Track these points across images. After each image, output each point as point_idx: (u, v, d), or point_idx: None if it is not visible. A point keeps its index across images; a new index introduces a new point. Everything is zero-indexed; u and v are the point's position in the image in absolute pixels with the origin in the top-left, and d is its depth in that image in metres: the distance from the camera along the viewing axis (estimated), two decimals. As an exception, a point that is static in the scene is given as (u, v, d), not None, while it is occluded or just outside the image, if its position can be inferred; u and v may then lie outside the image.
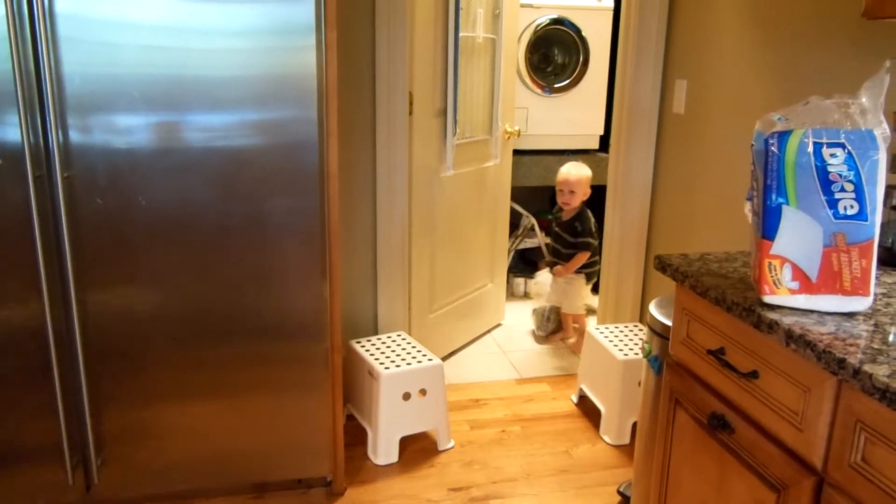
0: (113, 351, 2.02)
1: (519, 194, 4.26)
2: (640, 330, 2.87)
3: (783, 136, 1.25)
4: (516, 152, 3.89)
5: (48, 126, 1.81)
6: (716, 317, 1.45)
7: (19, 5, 1.73)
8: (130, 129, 1.87)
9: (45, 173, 1.84)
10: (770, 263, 1.29)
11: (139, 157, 1.89)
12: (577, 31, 4.08)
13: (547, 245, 3.63)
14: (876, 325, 1.23)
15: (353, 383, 2.66)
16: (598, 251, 3.44)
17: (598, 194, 3.56)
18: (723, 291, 1.39)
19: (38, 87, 1.79)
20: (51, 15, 1.76)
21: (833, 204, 1.23)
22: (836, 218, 1.23)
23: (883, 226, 1.31)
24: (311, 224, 2.04)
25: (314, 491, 2.33)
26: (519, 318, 3.90)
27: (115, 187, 1.90)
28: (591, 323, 3.56)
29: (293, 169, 1.99)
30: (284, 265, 2.05)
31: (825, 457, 1.17)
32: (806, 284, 1.28)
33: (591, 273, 3.51)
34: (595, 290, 3.49)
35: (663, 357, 1.96)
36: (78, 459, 2.07)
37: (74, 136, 1.85)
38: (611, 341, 2.74)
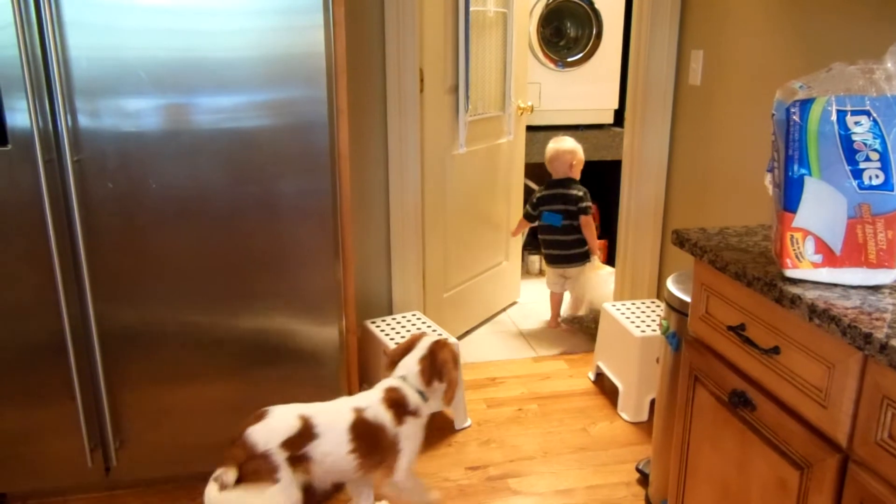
0: (127, 333, 2.02)
1: (533, 171, 4.21)
2: (658, 306, 2.85)
3: (805, 104, 1.21)
4: (529, 128, 3.84)
5: (57, 110, 1.80)
6: (736, 292, 1.42)
7: (24, -11, 1.71)
8: (139, 112, 1.86)
9: (55, 158, 1.84)
10: (792, 236, 1.26)
11: (149, 139, 1.88)
12: (590, 3, 4.00)
13: (547, 241, 3.48)
14: (902, 298, 1.19)
15: (369, 363, 2.66)
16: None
17: (613, 169, 3.51)
18: (743, 266, 1.36)
19: (45, 71, 1.78)
20: (55, -1, 1.75)
21: (858, 174, 1.19)
22: (860, 188, 1.20)
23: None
24: (322, 204, 2.02)
25: (332, 471, 2.33)
26: (534, 296, 3.88)
27: (125, 170, 1.89)
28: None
29: (303, 149, 1.96)
30: (297, 246, 2.04)
31: (850, 434, 1.14)
32: (829, 257, 1.25)
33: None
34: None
35: (681, 333, 1.93)
36: (96, 442, 2.08)
37: (83, 120, 1.84)
38: (627, 318, 2.72)
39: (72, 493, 2.19)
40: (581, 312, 3.58)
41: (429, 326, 2.66)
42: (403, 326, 2.66)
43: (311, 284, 2.08)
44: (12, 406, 2.02)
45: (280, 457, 1.73)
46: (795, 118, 1.22)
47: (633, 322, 2.68)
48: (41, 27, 1.75)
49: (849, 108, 1.18)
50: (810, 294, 1.21)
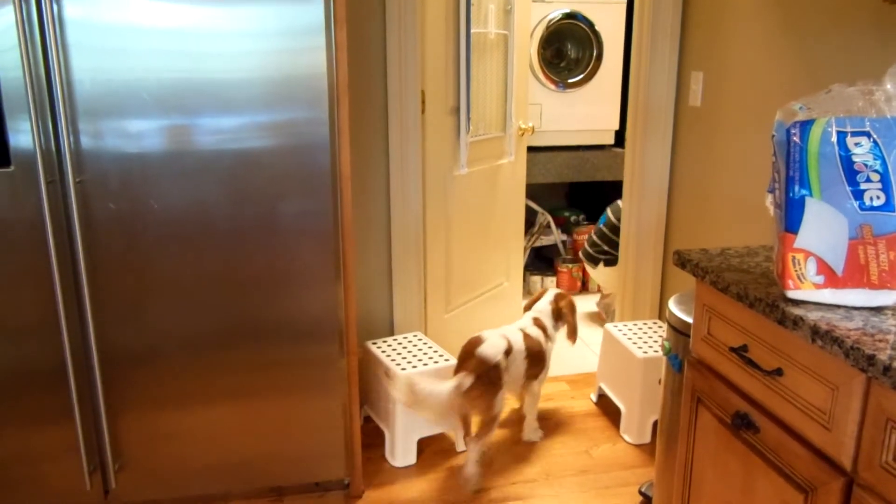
0: (128, 355, 2.01)
1: (534, 191, 4.23)
2: (660, 327, 2.83)
3: (805, 125, 1.21)
4: (531, 149, 3.86)
5: (60, 132, 1.81)
6: (738, 313, 1.41)
7: (28, 13, 1.73)
8: (142, 133, 1.87)
9: (58, 179, 1.84)
10: (794, 257, 1.25)
11: (151, 160, 1.89)
12: (591, 24, 4.04)
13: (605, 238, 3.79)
14: (905, 319, 1.19)
15: (370, 385, 2.65)
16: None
17: (614, 190, 3.52)
18: (745, 287, 1.36)
19: (49, 93, 1.79)
20: (60, 21, 1.76)
21: (859, 195, 1.19)
22: (861, 209, 1.20)
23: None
24: (324, 225, 2.02)
25: (332, 494, 2.32)
26: (536, 317, 3.87)
27: (127, 191, 1.90)
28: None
29: (305, 170, 1.97)
30: (298, 267, 2.04)
31: (854, 457, 1.13)
32: (831, 278, 1.24)
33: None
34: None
35: (684, 355, 1.92)
36: (95, 464, 2.07)
37: (86, 142, 1.84)
38: (629, 339, 2.70)
39: (70, 516, 2.18)
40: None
41: (430, 347, 2.65)
42: (405, 347, 2.65)
43: (312, 305, 2.08)
44: (11, 428, 2.01)
45: (503, 365, 2.37)
46: (796, 139, 1.22)
47: (635, 343, 2.66)
48: (45, 49, 1.76)
49: (849, 129, 1.19)
50: (813, 315, 1.20)
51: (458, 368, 2.35)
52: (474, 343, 2.39)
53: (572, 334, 2.69)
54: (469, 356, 2.34)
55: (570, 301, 2.74)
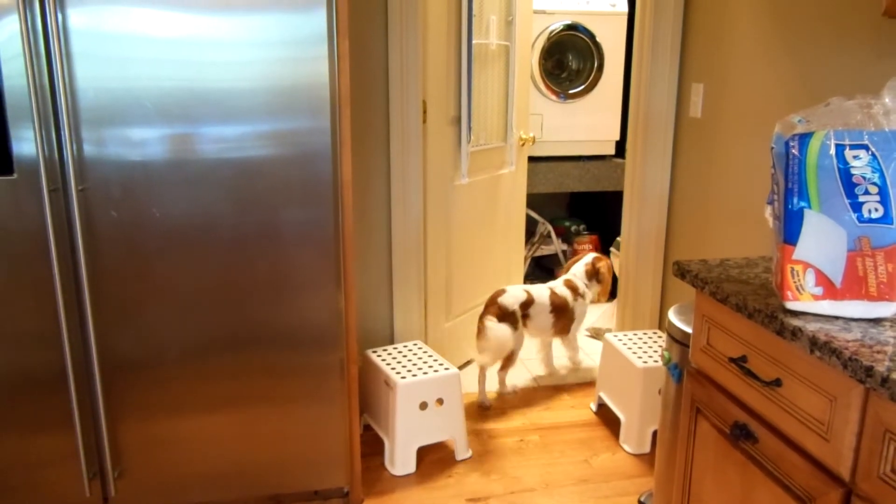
0: (129, 362, 2.02)
1: (534, 201, 4.24)
2: (660, 337, 2.84)
3: (804, 138, 1.22)
4: (531, 159, 3.87)
5: (63, 140, 1.82)
6: (737, 324, 1.42)
7: (33, 21, 1.74)
8: (144, 142, 1.88)
9: (60, 187, 1.85)
10: (792, 269, 1.26)
11: (153, 169, 1.90)
12: (592, 36, 4.06)
13: None
14: (903, 331, 1.19)
15: (370, 393, 2.65)
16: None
17: (615, 200, 3.53)
18: (744, 298, 1.36)
19: (52, 101, 1.80)
20: (64, 30, 1.77)
21: (857, 207, 1.20)
22: (860, 221, 1.20)
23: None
24: (325, 233, 2.03)
25: (331, 502, 2.31)
26: (536, 326, 3.87)
27: (129, 199, 1.90)
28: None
29: (307, 179, 1.98)
30: (299, 275, 2.04)
31: (853, 468, 1.14)
32: (830, 290, 1.25)
33: None
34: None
35: (683, 365, 1.92)
36: (95, 471, 2.06)
37: (89, 150, 1.85)
38: (629, 349, 2.71)
39: (69, 523, 2.17)
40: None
41: (430, 356, 2.66)
42: (405, 356, 2.66)
43: (313, 313, 2.08)
44: (11, 434, 2.01)
45: (519, 313, 2.89)
46: (794, 152, 1.23)
47: (634, 353, 2.67)
48: (49, 58, 1.77)
49: (847, 142, 1.20)
50: (811, 326, 1.21)
51: (483, 314, 2.88)
52: (498, 293, 2.91)
53: (604, 293, 3.14)
54: (492, 303, 2.89)
55: (608, 263, 3.14)
